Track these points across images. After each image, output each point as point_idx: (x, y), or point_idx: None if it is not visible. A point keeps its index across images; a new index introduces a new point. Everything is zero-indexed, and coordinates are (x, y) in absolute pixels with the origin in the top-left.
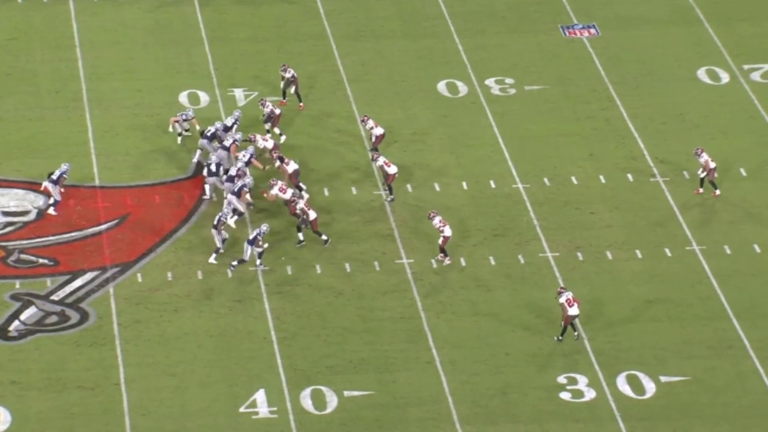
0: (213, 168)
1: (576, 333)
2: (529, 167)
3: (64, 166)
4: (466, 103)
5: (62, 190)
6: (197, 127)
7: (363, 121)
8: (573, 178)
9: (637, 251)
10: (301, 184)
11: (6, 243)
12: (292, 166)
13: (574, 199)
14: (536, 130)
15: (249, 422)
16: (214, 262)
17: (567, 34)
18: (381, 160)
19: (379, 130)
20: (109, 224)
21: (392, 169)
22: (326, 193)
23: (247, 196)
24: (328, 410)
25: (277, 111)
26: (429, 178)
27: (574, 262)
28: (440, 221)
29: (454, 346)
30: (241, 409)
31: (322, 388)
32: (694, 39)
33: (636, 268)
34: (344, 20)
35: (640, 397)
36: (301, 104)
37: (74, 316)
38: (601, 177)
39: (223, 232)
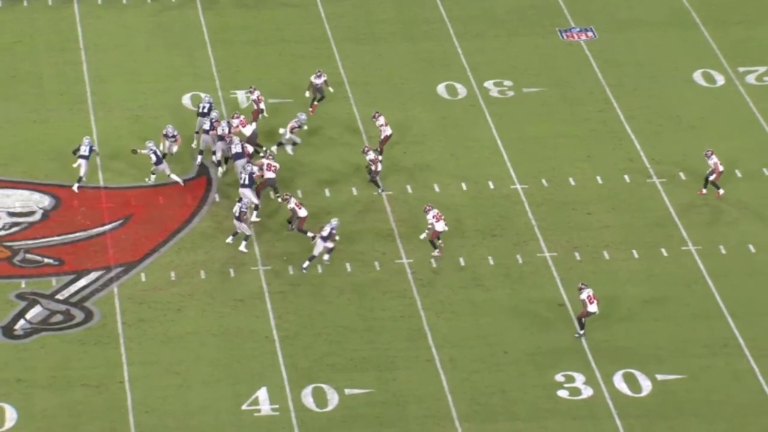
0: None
1: (581, 331)
2: (527, 168)
3: (86, 140)
4: (465, 105)
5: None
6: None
7: (375, 117)
8: (570, 179)
9: (634, 251)
10: (259, 143)
11: (12, 243)
12: (248, 129)
13: (571, 199)
14: (534, 131)
15: (251, 420)
16: (245, 250)
17: (565, 37)
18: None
19: (388, 130)
20: (113, 224)
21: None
22: (327, 193)
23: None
24: (329, 408)
25: (262, 106)
26: (428, 179)
27: (572, 262)
28: (433, 216)
29: (454, 344)
30: (244, 407)
31: (323, 386)
32: (690, 42)
33: (633, 267)
34: (345, 23)
35: (636, 395)
36: (311, 110)
37: (79, 315)
38: (599, 178)
39: (244, 222)
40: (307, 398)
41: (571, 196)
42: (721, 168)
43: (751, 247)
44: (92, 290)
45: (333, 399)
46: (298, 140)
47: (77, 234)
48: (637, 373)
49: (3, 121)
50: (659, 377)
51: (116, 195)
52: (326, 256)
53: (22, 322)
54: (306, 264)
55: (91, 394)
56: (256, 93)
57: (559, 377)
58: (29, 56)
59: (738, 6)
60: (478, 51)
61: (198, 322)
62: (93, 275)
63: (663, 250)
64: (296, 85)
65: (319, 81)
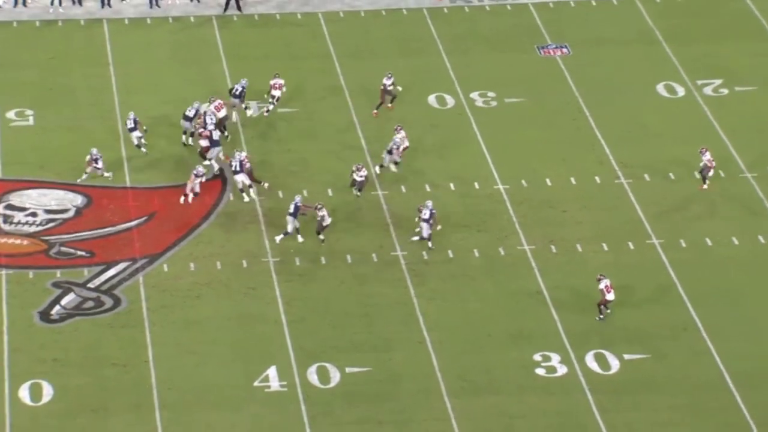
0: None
1: (602, 316)
2: (509, 170)
3: (243, 81)
4: (453, 114)
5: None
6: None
7: (397, 129)
8: (547, 180)
9: (604, 244)
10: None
11: (48, 237)
12: (222, 113)
13: (548, 198)
14: (515, 137)
15: (262, 395)
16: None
17: (542, 53)
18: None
19: (406, 142)
20: (138, 221)
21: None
22: (330, 193)
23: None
24: (332, 384)
25: (222, 114)
26: (421, 180)
27: (548, 254)
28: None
29: (443, 328)
30: (255, 384)
31: (327, 365)
32: (653, 58)
33: (603, 259)
34: (346, 41)
35: (606, 373)
36: (376, 111)
37: (108, 302)
38: (572, 179)
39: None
40: (312, 376)
41: (548, 195)
42: (713, 163)
43: (707, 240)
44: (120, 279)
45: (335, 376)
46: (397, 159)
47: (107, 229)
48: (607, 354)
49: (40, 129)
50: (626, 357)
51: (141, 194)
52: (426, 234)
53: (57, 307)
54: (430, 244)
55: (119, 372)
56: (216, 102)
57: (537, 357)
58: (64, 70)
59: (696, 26)
60: (464, 65)
61: (214, 307)
62: (121, 266)
63: (630, 244)
64: (303, 96)
65: (388, 82)
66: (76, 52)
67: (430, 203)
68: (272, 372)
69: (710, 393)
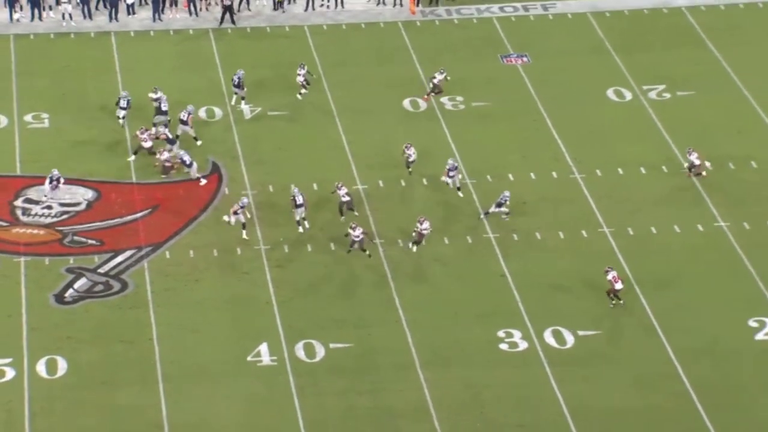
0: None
1: (614, 302)
2: (476, 166)
3: (240, 71)
4: (425, 116)
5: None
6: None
7: (407, 147)
8: (510, 175)
9: (560, 233)
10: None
11: (62, 227)
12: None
13: (510, 191)
14: (481, 137)
15: (255, 368)
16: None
17: (505, 62)
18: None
19: (413, 156)
20: (143, 213)
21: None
22: (315, 187)
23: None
24: (317, 359)
25: (165, 135)
26: (396, 176)
27: (511, 242)
28: (422, 223)
29: (417, 308)
30: (248, 359)
31: (313, 341)
32: (604, 66)
33: (559, 246)
34: (329, 52)
35: (562, 348)
36: (427, 96)
37: (116, 286)
38: (532, 174)
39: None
40: (300, 351)
41: (510, 188)
42: (697, 162)
43: (653, 229)
44: (127, 265)
45: (320, 352)
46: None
47: (115, 220)
48: (563, 330)
49: (55, 130)
50: (581, 333)
51: (146, 189)
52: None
53: (70, 291)
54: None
55: (126, 349)
56: (159, 93)
57: (501, 333)
58: (76, 78)
59: (641, 37)
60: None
61: (212, 290)
62: (127, 253)
63: (583, 232)
64: (291, 101)
65: (441, 77)
66: (87, 62)
67: (427, 223)
68: (264, 348)
69: (655, 365)
